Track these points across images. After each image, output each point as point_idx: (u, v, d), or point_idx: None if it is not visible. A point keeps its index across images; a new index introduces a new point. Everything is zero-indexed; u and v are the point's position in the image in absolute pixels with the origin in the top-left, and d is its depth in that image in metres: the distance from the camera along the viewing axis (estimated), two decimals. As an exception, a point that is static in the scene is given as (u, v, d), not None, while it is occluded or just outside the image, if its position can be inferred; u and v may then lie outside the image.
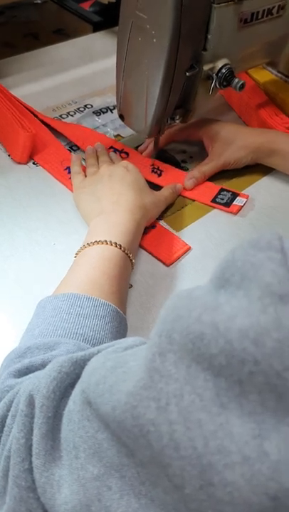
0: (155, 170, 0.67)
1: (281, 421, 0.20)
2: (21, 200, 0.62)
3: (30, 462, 0.29)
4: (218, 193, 0.65)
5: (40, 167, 0.67)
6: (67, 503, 0.27)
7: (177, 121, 0.63)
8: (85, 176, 0.62)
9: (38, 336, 0.40)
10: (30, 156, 0.67)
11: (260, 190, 0.68)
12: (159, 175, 0.67)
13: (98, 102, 0.79)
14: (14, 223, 0.59)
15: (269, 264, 0.22)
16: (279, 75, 0.80)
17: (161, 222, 0.61)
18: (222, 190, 0.65)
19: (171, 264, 0.56)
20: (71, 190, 0.63)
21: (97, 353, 0.32)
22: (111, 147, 0.70)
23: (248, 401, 0.21)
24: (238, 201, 0.64)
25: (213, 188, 0.66)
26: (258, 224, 0.63)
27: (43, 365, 0.35)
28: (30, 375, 0.34)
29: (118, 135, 0.73)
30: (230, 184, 0.67)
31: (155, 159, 0.68)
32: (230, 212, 0.63)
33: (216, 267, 0.24)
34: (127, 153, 0.69)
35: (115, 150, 0.69)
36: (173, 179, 0.66)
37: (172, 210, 0.63)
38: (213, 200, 0.64)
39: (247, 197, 0.65)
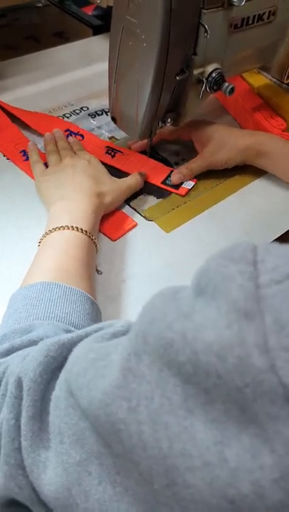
0: (109, 151, 0.70)
1: (242, 431, 0.21)
2: (14, 198, 0.63)
3: (20, 442, 0.30)
4: (169, 175, 0.68)
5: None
6: (50, 484, 0.28)
7: (168, 125, 0.64)
8: (45, 163, 0.64)
9: (12, 324, 0.41)
10: None
11: (251, 194, 0.69)
12: (113, 156, 0.70)
13: (94, 105, 0.80)
14: (7, 220, 0.60)
15: (238, 278, 0.22)
16: (273, 79, 0.81)
17: (152, 223, 0.62)
18: (172, 172, 0.68)
19: (116, 240, 0.59)
20: (25, 172, 0.66)
21: (85, 336, 0.33)
22: (67, 130, 0.73)
23: (213, 409, 0.21)
24: (187, 184, 0.67)
25: (164, 170, 0.69)
26: (248, 227, 0.64)
27: (22, 345, 0.36)
28: (13, 355, 0.35)
29: (112, 137, 0.74)
30: (222, 186, 0.68)
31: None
32: (179, 194, 0.66)
33: (194, 274, 0.25)
34: (82, 136, 0.72)
35: (71, 133, 0.72)
36: (136, 163, 0.69)
37: (163, 211, 0.64)
38: (164, 182, 0.67)
39: (195, 181, 0.68)
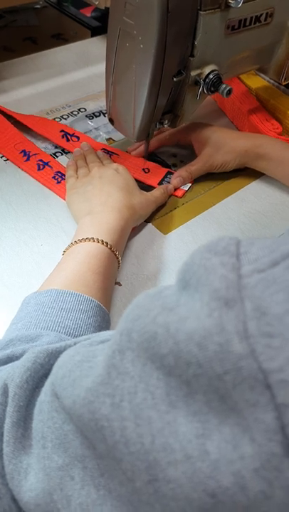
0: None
1: (223, 421, 0.21)
2: (11, 201, 0.63)
3: (1, 449, 0.30)
4: (165, 176, 0.68)
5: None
6: (31, 490, 0.28)
7: (166, 126, 0.63)
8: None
9: (21, 328, 0.41)
10: None
11: (249, 195, 0.69)
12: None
13: (92, 106, 0.80)
14: (3, 224, 0.60)
15: (220, 269, 0.22)
16: (271, 81, 0.81)
17: (149, 225, 0.62)
18: (168, 173, 0.69)
19: None
20: (27, 173, 0.66)
21: (74, 345, 0.33)
22: (62, 131, 0.73)
23: (194, 401, 0.22)
24: (184, 186, 0.68)
25: (160, 171, 0.69)
26: (245, 228, 0.64)
27: (23, 355, 0.35)
28: (10, 364, 0.34)
29: (110, 139, 0.74)
30: (219, 188, 0.68)
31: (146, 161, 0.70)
32: (176, 196, 0.67)
33: (179, 269, 0.25)
34: (78, 137, 0.73)
35: (66, 134, 0.72)
36: (132, 165, 0.69)
37: (161, 213, 0.64)
38: (160, 183, 0.67)
39: (192, 182, 0.68)
